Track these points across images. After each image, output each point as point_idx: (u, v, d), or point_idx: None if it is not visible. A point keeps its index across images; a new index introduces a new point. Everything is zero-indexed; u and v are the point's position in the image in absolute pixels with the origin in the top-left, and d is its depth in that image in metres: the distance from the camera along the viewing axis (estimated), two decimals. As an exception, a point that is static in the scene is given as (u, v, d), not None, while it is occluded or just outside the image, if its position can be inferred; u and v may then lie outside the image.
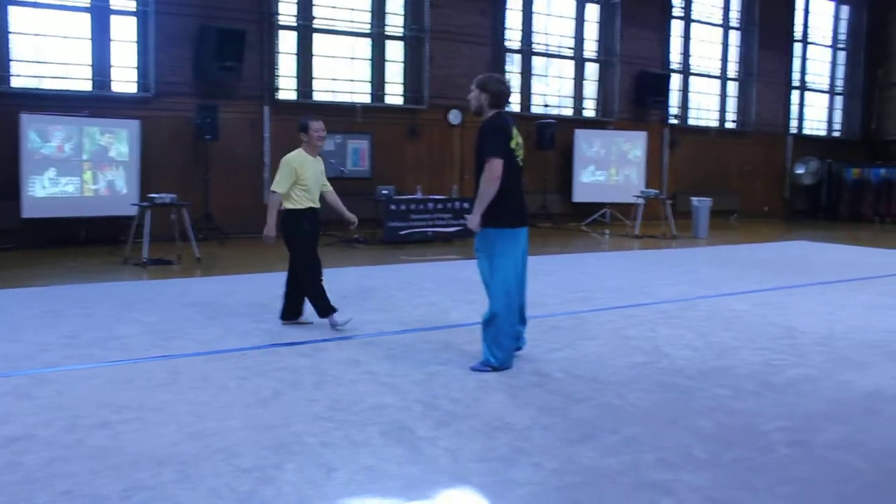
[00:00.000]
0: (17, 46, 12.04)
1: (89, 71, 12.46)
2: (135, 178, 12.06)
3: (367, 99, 15.00)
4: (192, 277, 9.09)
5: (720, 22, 19.87)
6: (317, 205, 6.39)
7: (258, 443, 3.78)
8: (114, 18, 12.61)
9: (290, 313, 6.49)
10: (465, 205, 12.74)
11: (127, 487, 3.25)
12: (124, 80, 12.76)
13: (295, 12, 14.12)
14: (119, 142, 11.97)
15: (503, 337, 5.11)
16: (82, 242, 11.89)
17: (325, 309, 6.31)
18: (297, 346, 5.74)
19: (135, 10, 12.64)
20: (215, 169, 12.94)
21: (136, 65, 12.78)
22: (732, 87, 20.38)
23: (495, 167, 4.94)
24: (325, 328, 6.31)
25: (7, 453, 3.61)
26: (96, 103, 12.22)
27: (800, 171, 20.52)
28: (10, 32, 11.86)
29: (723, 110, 20.30)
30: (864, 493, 3.35)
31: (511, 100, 17.12)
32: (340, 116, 14.36)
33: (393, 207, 12.56)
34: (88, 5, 12.34)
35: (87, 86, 12.42)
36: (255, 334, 6.11)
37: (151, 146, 12.44)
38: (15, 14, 11.92)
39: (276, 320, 6.56)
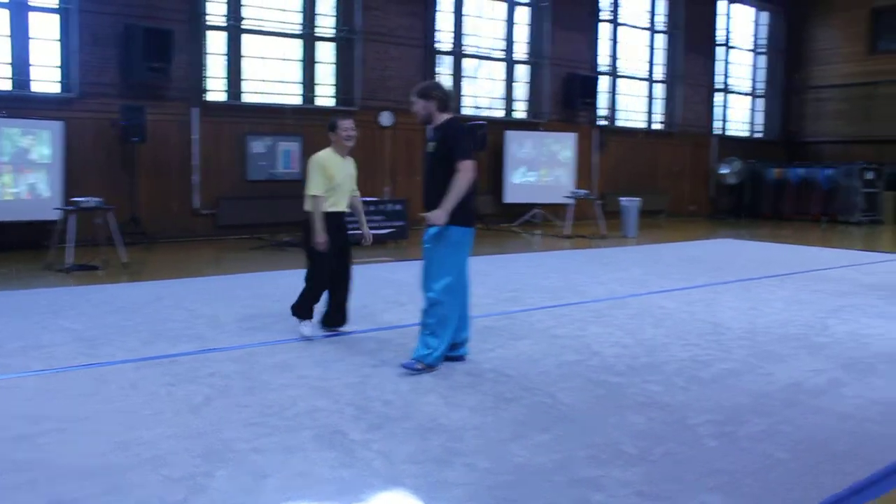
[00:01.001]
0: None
1: (8, 69, 12.04)
2: (58, 181, 11.70)
3: (297, 101, 14.87)
4: (119, 283, 8.87)
5: (647, 26, 20.28)
6: (342, 208, 6.13)
7: (189, 451, 3.72)
8: (34, 15, 12.21)
9: (330, 319, 6.25)
10: (398, 206, 12.71)
11: (50, 501, 3.17)
12: (46, 79, 12.38)
13: (224, 12, 13.91)
14: (41, 143, 11.60)
15: (443, 327, 5.09)
16: (3, 248, 11.49)
17: (304, 310, 6.10)
18: (228, 352, 5.66)
19: (56, 7, 12.27)
20: (142, 172, 12.66)
21: (58, 64, 12.41)
22: (659, 90, 20.83)
23: (471, 168, 5.04)
24: (254, 332, 6.24)
25: (-77, 468, 3.48)
26: (15, 103, 11.81)
27: (724, 171, 21.07)
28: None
29: (650, 112, 20.72)
30: (786, 482, 3.47)
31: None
32: (271, 118, 14.21)
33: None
34: (6, 1, 11.94)
35: (5, 85, 12.00)
36: (184, 340, 6.01)
37: (75, 148, 12.09)
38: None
39: (205, 325, 6.46)
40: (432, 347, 5.09)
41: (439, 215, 5.03)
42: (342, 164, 6.11)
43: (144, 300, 7.60)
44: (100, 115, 12.33)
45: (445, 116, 5.24)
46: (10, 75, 12.03)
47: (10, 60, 12.04)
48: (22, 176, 11.51)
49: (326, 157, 6.05)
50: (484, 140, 16.02)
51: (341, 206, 6.13)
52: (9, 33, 12.00)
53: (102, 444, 3.78)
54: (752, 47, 22.88)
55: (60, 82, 12.39)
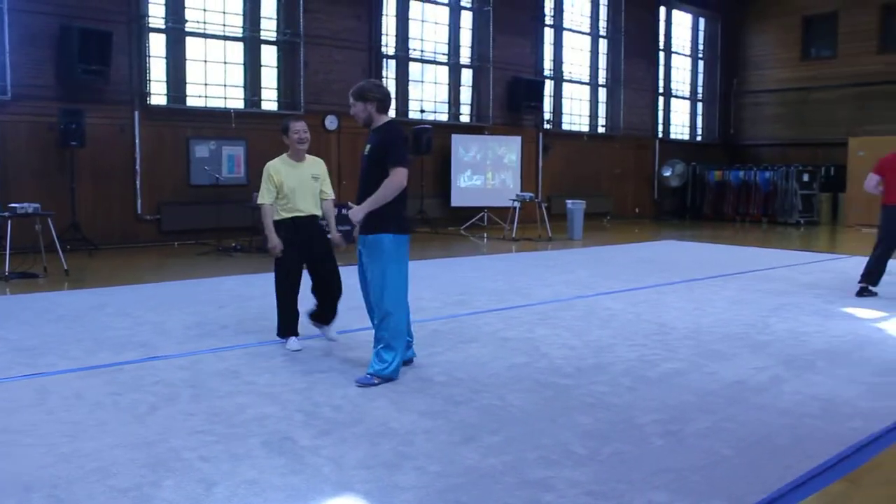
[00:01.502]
0: None
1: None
2: (-8, 186, 11.39)
3: (241, 104, 14.71)
4: (60, 290, 8.66)
5: (589, 31, 20.54)
6: (303, 213, 5.92)
7: (135, 460, 3.65)
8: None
9: (316, 315, 6.18)
10: (344, 210, 12.60)
11: (-8, 515, 3.09)
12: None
13: (164, 14, 13.69)
14: (-26, 148, 11.28)
15: (397, 339, 5.05)
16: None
17: (281, 328, 6.01)
18: (173, 359, 5.57)
19: (-13, 7, 11.93)
20: (82, 177, 12.38)
21: (-11, 66, 12.07)
22: (603, 94, 21.11)
23: (403, 176, 4.98)
24: (200, 339, 6.16)
25: None
26: (-53, 107, 11.48)
27: (666, 173, 21.45)
28: None
29: (594, 115, 21.00)
30: (730, 478, 3.54)
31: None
32: (214, 122, 14.03)
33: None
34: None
35: (-64, 88, 11.65)
36: (129, 348, 5.89)
37: (10, 152, 11.77)
38: None
39: (150, 332, 6.35)
40: (387, 361, 5.01)
41: (356, 212, 5.00)
42: (295, 168, 5.97)
43: (87, 308, 7.44)
44: (36, 119, 12.02)
45: (385, 119, 5.21)
46: (-58, 78, 11.67)
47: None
48: (-45, 182, 11.17)
49: (274, 165, 5.95)
50: (429, 144, 16.05)
51: (302, 211, 5.94)
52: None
53: (45, 457, 3.69)
54: (691, 52, 23.37)
55: (-8, 84, 12.05)
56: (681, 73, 23.18)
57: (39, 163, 12.13)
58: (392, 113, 17.40)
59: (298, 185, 5.92)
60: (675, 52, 22.76)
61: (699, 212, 21.56)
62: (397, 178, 4.95)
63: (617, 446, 3.92)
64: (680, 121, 23.44)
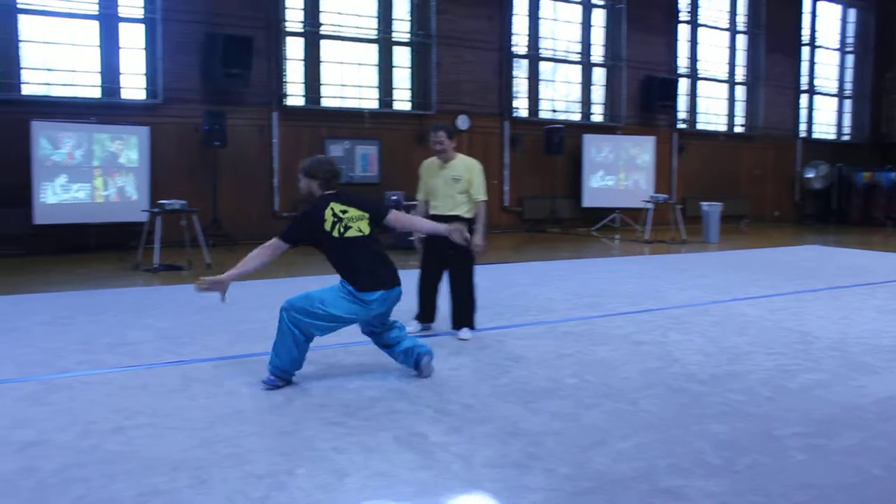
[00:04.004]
0: (27, 54, 12.11)
1: (98, 78, 12.51)
2: (145, 184, 12.11)
3: (374, 105, 15.03)
4: (202, 283, 9.08)
5: (727, 26, 19.85)
6: (441, 212, 6.14)
7: (270, 448, 3.78)
8: (122, 26, 12.66)
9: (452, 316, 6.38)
10: (474, 210, 12.73)
11: (142, 492, 3.26)
12: (133, 86, 12.81)
13: (302, 19, 14.16)
14: (129, 148, 12.02)
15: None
16: (93, 249, 11.94)
17: (418, 314, 6.39)
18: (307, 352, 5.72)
19: (142, 17, 12.69)
20: (224, 175, 12.98)
21: (144, 71, 12.82)
22: (741, 91, 20.35)
23: (272, 247, 4.86)
24: (334, 334, 6.30)
25: (22, 458, 3.61)
26: (105, 110, 12.28)
27: (809, 175, 20.46)
28: (20, 41, 11.93)
29: (731, 114, 20.27)
30: (881, 500, 3.32)
31: (518, 105, 17.02)
32: (348, 122, 14.41)
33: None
34: (97, 13, 12.40)
35: (96, 93, 12.47)
36: (265, 340, 6.07)
37: (160, 152, 12.49)
38: (24, 22, 11.99)
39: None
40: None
41: (219, 281, 4.84)
42: (439, 169, 6.23)
43: (234, 300, 7.74)
44: (183, 121, 12.71)
45: (321, 194, 5.00)
46: (101, 83, 12.49)
47: (100, 69, 12.50)
48: (111, 179, 11.94)
49: (424, 163, 6.37)
50: (561, 144, 15.93)
51: (440, 210, 6.19)
52: (98, 43, 12.46)
53: (189, 440, 3.88)
54: (839, 46, 22.15)
55: (146, 89, 12.80)
56: (826, 68, 22.00)
57: (185, 162, 12.81)
58: (524, 113, 17.22)
59: (437, 185, 6.20)
60: (820, 47, 21.65)
61: (845, 215, 20.44)
62: (267, 248, 4.86)
63: (754, 458, 3.75)
64: (824, 119, 22.27)
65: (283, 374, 4.81)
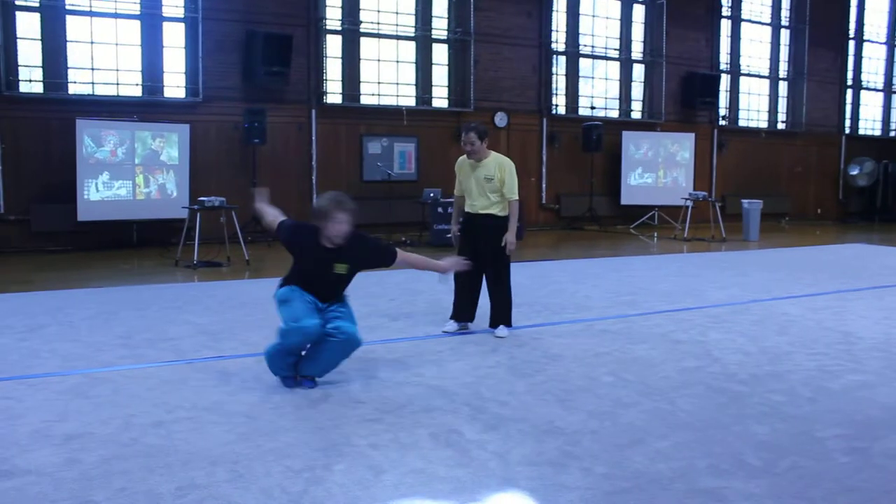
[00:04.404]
0: (74, 54, 12.32)
1: (140, 77, 12.69)
2: (185, 181, 12.26)
3: (412, 102, 15.05)
4: (241, 279, 9.20)
5: (769, 21, 19.55)
6: (472, 210, 6.25)
7: (308, 443, 3.81)
8: (164, 25, 12.82)
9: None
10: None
11: (180, 486, 3.30)
12: (174, 85, 12.97)
13: (341, 16, 14.23)
14: (170, 146, 12.18)
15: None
16: (135, 245, 12.13)
17: (452, 312, 6.42)
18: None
19: (183, 16, 12.84)
20: (263, 173, 13.09)
21: (184, 70, 12.98)
22: (783, 87, 20.03)
23: (269, 225, 5.08)
24: (372, 330, 6.33)
25: (66, 450, 3.69)
26: (147, 108, 12.46)
27: (854, 172, 20.08)
28: (67, 41, 12.15)
29: (773, 111, 19.96)
30: (926, 503, 3.26)
31: (557, 102, 16.89)
32: (387, 119, 14.44)
33: (440, 210, 12.57)
34: (139, 13, 12.58)
35: (138, 91, 12.65)
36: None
37: (200, 150, 12.64)
38: (71, 23, 12.20)
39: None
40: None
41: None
42: (472, 167, 6.27)
43: (265, 296, 7.77)
44: (223, 119, 12.85)
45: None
46: (142, 82, 12.67)
47: (141, 68, 12.68)
48: (152, 177, 12.11)
49: (458, 160, 6.43)
50: (599, 141, 15.83)
51: (475, 208, 6.25)
52: (140, 43, 12.64)
53: (228, 434, 3.92)
54: (886, 40, 21.65)
55: (186, 87, 12.95)
56: (873, 63, 21.53)
57: (225, 159, 12.95)
58: (562, 110, 17.18)
59: (471, 185, 6.26)
60: (868, 41, 21.17)
61: (891, 213, 20.01)
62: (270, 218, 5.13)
63: (795, 460, 3.69)
64: (871, 115, 21.79)
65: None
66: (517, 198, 6.23)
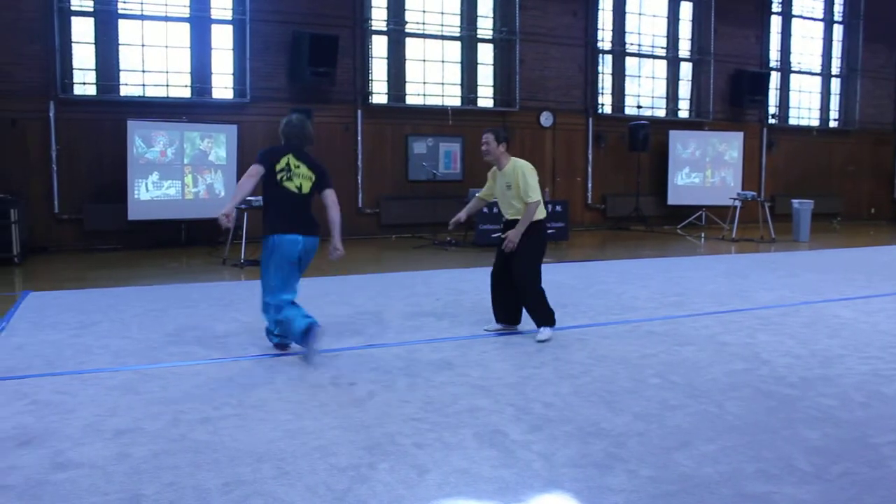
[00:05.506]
0: (125, 57, 12.57)
1: (189, 78, 12.90)
2: (233, 181, 12.42)
3: (457, 102, 15.06)
4: (287, 278, 9.26)
5: (822, 17, 19.17)
6: (506, 217, 6.20)
7: (353, 442, 3.83)
8: (212, 27, 13.02)
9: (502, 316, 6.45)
10: (559, 207, 12.65)
11: (227, 482, 3.34)
12: (222, 86, 13.16)
13: (386, 17, 14.30)
14: (218, 146, 12.36)
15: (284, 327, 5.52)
16: (183, 244, 12.33)
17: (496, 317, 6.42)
18: (390, 348, 5.80)
19: (231, 18, 13.02)
20: (310, 172, 13.19)
21: (232, 71, 13.16)
22: (836, 84, 19.63)
23: (251, 171, 5.43)
24: (416, 330, 6.35)
25: (117, 445, 3.76)
26: (196, 109, 12.65)
27: (909, 171, 19.60)
28: (119, 44, 12.40)
29: (825, 108, 19.58)
30: None
31: (603, 101, 16.81)
32: (432, 119, 14.47)
33: (485, 210, 12.54)
34: (188, 15, 12.78)
35: (187, 93, 12.86)
36: (347, 335, 6.20)
37: (248, 150, 12.78)
38: (123, 26, 12.45)
39: (368, 321, 6.64)
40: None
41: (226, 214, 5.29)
42: (497, 176, 6.23)
43: (311, 296, 7.88)
44: (270, 119, 12.97)
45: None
46: (191, 83, 12.88)
47: (190, 70, 12.89)
48: (201, 176, 12.30)
49: (493, 168, 6.30)
50: (646, 140, 15.68)
51: (506, 216, 6.22)
52: (189, 45, 12.84)
53: (273, 432, 3.96)
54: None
55: (234, 88, 13.12)
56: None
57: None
58: (608, 109, 17.13)
59: (498, 193, 6.26)
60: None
61: (948, 213, 19.51)
62: (243, 179, 5.46)
63: (848, 466, 3.61)
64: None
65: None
66: (536, 199, 5.96)
